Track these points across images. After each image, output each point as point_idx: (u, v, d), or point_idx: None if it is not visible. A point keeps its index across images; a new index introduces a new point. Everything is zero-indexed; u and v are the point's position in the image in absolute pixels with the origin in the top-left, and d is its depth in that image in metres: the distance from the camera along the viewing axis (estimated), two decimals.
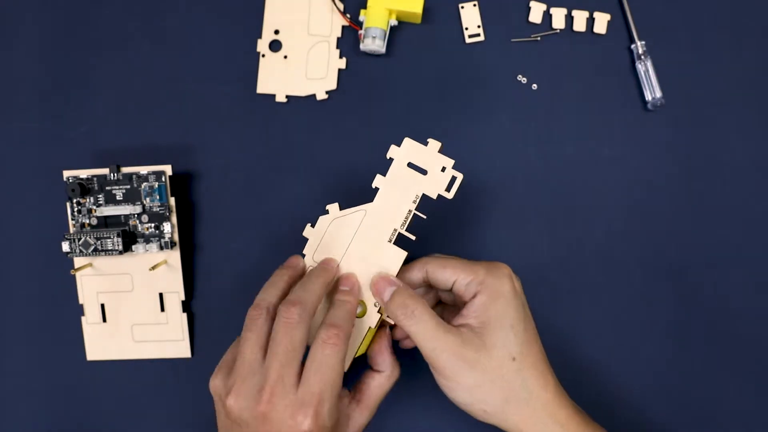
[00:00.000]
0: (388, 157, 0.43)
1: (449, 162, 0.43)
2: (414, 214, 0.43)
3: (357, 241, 0.43)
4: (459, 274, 0.41)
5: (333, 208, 0.44)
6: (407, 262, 0.44)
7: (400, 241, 0.43)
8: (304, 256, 0.44)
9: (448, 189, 0.43)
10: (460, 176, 0.43)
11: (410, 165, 0.43)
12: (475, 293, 0.41)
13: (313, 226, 0.44)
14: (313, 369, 0.38)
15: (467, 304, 0.41)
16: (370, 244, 0.43)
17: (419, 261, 0.44)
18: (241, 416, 0.38)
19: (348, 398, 0.42)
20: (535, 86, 0.53)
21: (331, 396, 0.37)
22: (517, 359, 0.40)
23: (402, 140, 0.43)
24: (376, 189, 0.43)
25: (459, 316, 0.41)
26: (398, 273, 0.43)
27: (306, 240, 0.44)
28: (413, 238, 0.43)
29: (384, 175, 0.43)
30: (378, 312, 0.43)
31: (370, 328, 0.43)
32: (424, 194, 0.43)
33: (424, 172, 0.43)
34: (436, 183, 0.43)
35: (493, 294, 0.40)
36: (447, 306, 0.47)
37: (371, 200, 0.44)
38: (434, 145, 0.43)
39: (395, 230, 0.43)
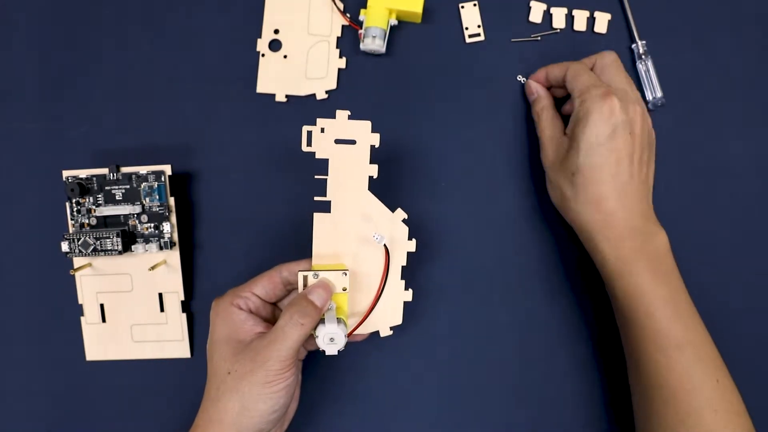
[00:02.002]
0: (306, 148, 0.44)
1: (365, 124, 0.44)
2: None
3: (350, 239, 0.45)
4: (577, 86, 0.47)
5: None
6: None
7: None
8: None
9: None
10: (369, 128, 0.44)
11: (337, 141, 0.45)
12: (577, 105, 0.46)
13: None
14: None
15: (573, 117, 0.47)
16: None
17: (566, 63, 0.49)
18: None
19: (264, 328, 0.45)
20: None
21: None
22: (575, 175, 0.46)
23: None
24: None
25: (570, 126, 0.48)
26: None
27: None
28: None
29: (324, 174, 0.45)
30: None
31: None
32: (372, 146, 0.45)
33: (352, 142, 0.45)
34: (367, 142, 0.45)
35: (582, 114, 0.45)
36: None
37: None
38: (342, 114, 0.44)
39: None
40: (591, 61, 0.49)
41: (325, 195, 0.45)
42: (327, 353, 0.43)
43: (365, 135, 0.44)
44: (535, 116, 0.51)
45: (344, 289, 0.44)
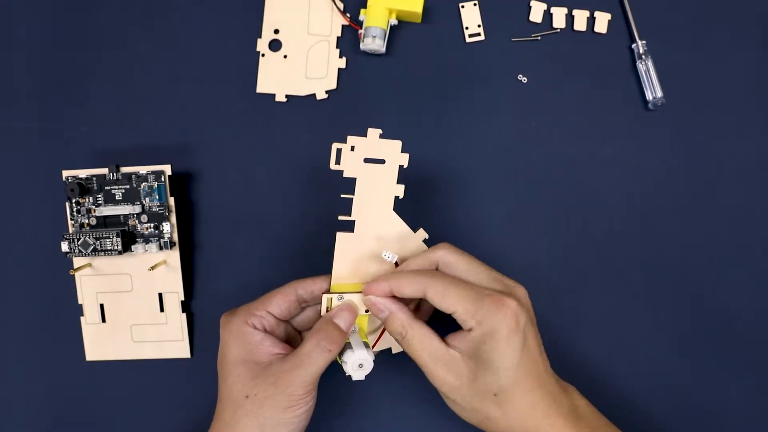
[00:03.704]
0: (333, 166, 0.43)
1: (396, 144, 0.43)
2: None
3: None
4: (458, 307, 0.40)
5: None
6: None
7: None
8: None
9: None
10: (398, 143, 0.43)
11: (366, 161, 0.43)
12: (471, 327, 0.40)
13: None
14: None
15: (463, 334, 0.41)
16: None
17: (420, 277, 0.41)
18: None
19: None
20: (535, 86, 0.53)
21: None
22: (499, 395, 0.40)
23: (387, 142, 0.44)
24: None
25: (454, 338, 0.41)
26: (404, 267, 0.44)
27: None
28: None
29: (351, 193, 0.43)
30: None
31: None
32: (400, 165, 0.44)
33: (381, 161, 0.44)
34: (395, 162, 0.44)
35: (487, 334, 0.39)
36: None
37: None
38: (374, 133, 0.43)
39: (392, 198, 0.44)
40: (431, 260, 0.43)
41: (348, 213, 0.43)
42: (354, 378, 0.42)
43: (395, 155, 0.43)
44: (397, 337, 0.42)
45: (366, 311, 0.44)
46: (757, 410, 0.51)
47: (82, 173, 0.50)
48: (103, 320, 0.51)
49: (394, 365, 0.51)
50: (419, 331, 0.41)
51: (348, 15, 0.53)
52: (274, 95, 0.53)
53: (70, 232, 0.50)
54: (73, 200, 0.50)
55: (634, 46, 0.53)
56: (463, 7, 0.53)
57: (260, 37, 0.53)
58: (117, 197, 0.50)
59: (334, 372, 0.47)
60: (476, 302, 0.39)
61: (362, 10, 0.52)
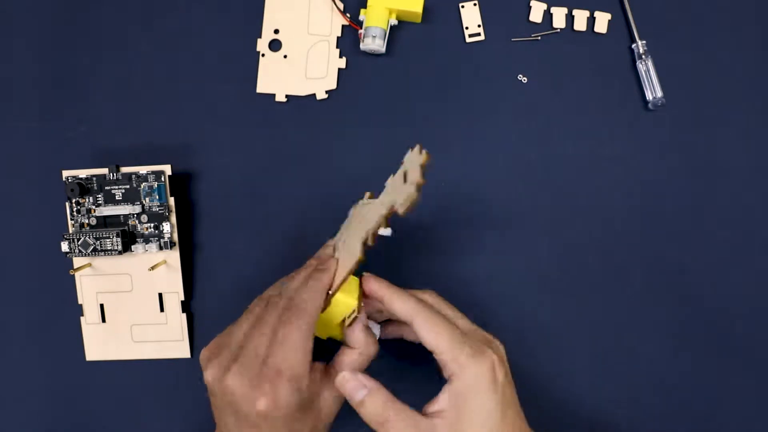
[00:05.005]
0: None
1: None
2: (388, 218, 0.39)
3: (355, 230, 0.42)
4: (442, 343, 0.39)
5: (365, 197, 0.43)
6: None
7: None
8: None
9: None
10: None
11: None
12: (450, 375, 0.39)
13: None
14: (276, 346, 0.38)
15: (443, 389, 0.39)
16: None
17: (413, 301, 0.41)
18: (212, 386, 0.39)
19: (320, 373, 0.41)
20: (535, 86, 0.53)
21: (293, 375, 0.37)
22: None
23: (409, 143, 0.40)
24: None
25: (434, 403, 0.40)
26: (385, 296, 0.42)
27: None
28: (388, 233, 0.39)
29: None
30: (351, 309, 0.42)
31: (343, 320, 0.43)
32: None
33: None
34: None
35: (469, 387, 0.39)
36: None
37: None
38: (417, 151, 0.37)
39: (367, 231, 0.40)
40: (417, 297, 0.42)
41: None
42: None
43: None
44: (378, 419, 0.39)
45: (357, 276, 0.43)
46: (757, 410, 0.51)
47: (82, 173, 0.50)
48: (103, 320, 0.51)
49: (392, 367, 0.51)
50: (401, 411, 0.39)
51: (348, 15, 0.53)
52: (274, 95, 0.53)
53: (70, 232, 0.50)
54: (73, 200, 0.50)
55: (634, 46, 0.53)
56: (463, 7, 0.53)
57: (260, 37, 0.53)
58: (117, 197, 0.50)
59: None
60: (460, 345, 0.39)
61: (362, 10, 0.52)
